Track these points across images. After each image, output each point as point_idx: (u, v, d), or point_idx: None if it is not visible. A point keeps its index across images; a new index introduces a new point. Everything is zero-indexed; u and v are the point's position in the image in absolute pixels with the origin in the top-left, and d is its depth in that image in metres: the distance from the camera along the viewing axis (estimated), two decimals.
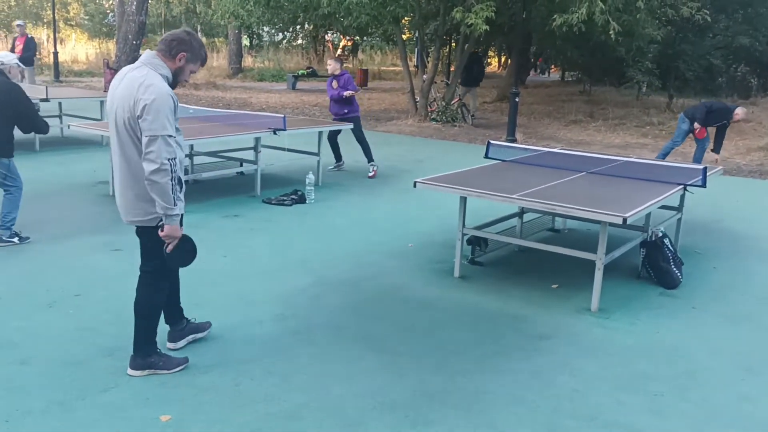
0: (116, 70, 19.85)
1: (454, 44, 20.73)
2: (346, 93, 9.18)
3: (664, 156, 10.56)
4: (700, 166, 5.87)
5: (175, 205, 3.35)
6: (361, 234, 6.55)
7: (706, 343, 4.38)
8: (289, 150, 8.47)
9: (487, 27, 12.64)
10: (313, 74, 25.85)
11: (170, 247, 3.49)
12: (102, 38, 37.57)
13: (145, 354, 3.63)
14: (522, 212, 6.28)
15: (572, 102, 20.45)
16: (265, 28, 31.95)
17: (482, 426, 3.29)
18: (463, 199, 5.34)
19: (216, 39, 39.56)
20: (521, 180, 5.53)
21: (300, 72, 25.77)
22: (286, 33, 34.64)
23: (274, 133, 7.85)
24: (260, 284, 5.08)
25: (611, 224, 4.59)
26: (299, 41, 37.23)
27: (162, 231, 3.42)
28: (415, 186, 5.31)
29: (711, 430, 3.35)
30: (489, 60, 36.78)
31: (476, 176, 5.64)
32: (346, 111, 9.37)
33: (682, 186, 5.51)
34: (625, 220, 4.39)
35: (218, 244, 6.03)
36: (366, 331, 4.32)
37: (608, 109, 18.40)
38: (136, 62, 3.46)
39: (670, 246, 5.43)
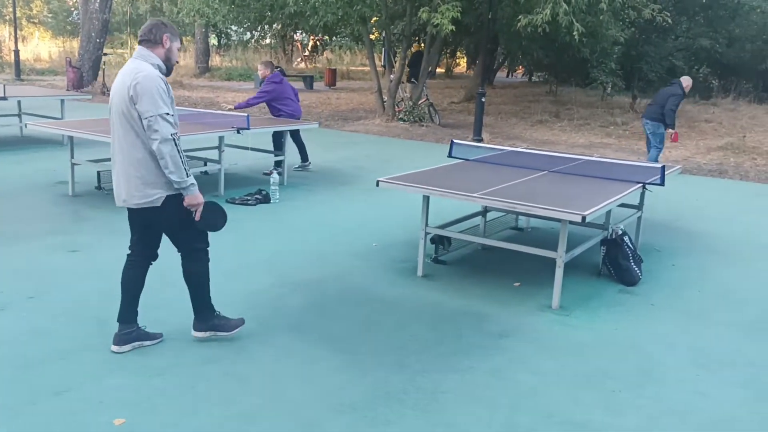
0: (79, 69, 19.53)
1: (422, 44, 20.78)
2: (230, 106, 9.66)
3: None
4: (659, 165, 5.95)
5: (188, 176, 3.60)
6: (326, 234, 6.52)
7: (662, 339, 4.44)
8: (253, 149, 8.40)
9: (453, 27, 12.69)
10: (281, 74, 25.68)
11: (197, 215, 3.73)
12: (66, 36, 36.94)
13: (206, 318, 4.00)
14: (485, 211, 6.31)
15: (539, 102, 20.64)
16: (233, 27, 31.72)
17: (440, 425, 3.29)
18: (426, 198, 5.34)
19: (183, 38, 39.13)
20: (484, 179, 5.55)
21: None
22: (254, 32, 34.41)
23: (238, 132, 7.78)
24: (221, 285, 5.01)
25: (571, 222, 4.63)
26: (267, 41, 37.00)
27: (184, 201, 3.67)
28: (377, 185, 5.29)
29: (665, 425, 3.39)
30: (457, 60, 36.99)
31: (439, 175, 5.65)
32: (279, 113, 9.38)
33: (641, 185, 5.59)
34: (584, 218, 4.43)
35: None
36: (327, 332, 4.30)
37: (574, 110, 18.61)
38: (131, 57, 3.69)
39: (629, 244, 5.50)
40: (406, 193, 5.21)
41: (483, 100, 13.52)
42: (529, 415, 3.43)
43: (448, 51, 29.59)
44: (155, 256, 4.04)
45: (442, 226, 5.68)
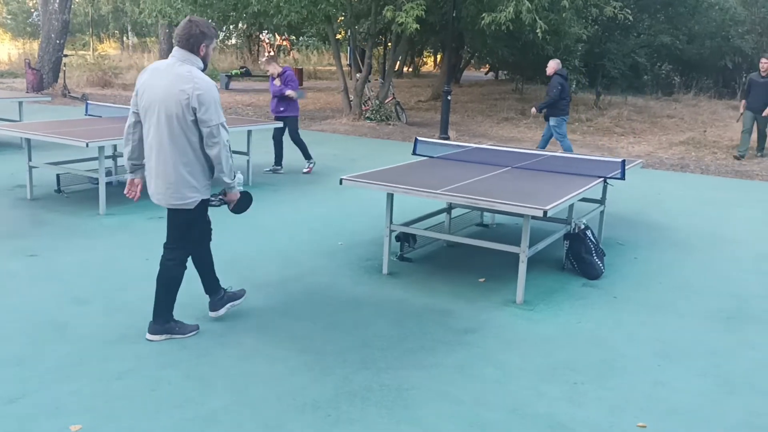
0: (38, 70, 19.14)
1: (389, 44, 20.81)
2: (288, 92, 9.12)
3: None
4: (619, 160, 6.02)
5: (234, 177, 3.97)
6: (291, 234, 6.47)
7: (624, 331, 4.49)
8: None
9: (418, 26, 12.71)
10: (246, 74, 25.50)
11: (232, 206, 4.15)
12: (26, 38, 36.20)
13: (164, 321, 4.05)
14: (450, 208, 6.32)
15: (505, 100, 20.79)
16: None
17: (404, 422, 3.28)
18: (390, 196, 5.34)
19: (147, 38, 38.63)
20: (447, 176, 5.56)
21: (233, 72, 25.39)
22: (219, 32, 34.07)
23: None
24: (182, 286, 4.92)
25: (534, 217, 4.66)
26: (233, 41, 36.68)
27: (226, 197, 4.08)
28: (341, 183, 5.27)
29: (627, 416, 3.43)
30: (425, 59, 37.10)
31: (403, 173, 5.64)
32: (282, 109, 9.26)
33: (602, 179, 5.65)
34: (545, 212, 4.46)
35: (141, 246, 5.86)
36: (291, 332, 4.26)
37: None
38: (171, 59, 3.80)
39: (592, 238, 5.55)
40: (371, 191, 5.19)
41: (449, 98, 13.57)
42: (494, 409, 3.43)
43: (415, 50, 29.66)
44: (208, 234, 4.33)
45: (407, 224, 5.68)
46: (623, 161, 5.90)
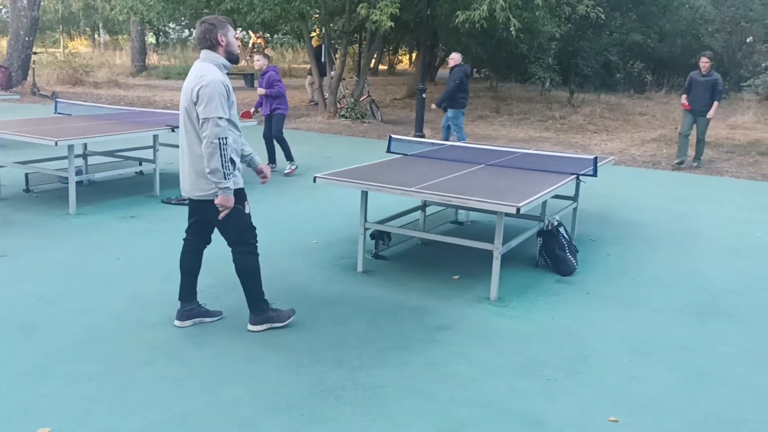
0: (7, 68, 18.79)
1: (364, 41, 20.77)
2: (259, 90, 9.31)
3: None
4: (591, 157, 6.08)
5: (226, 179, 3.82)
6: (265, 232, 6.41)
7: (597, 327, 4.53)
8: None
9: (392, 24, 12.71)
10: None
11: (222, 215, 3.95)
12: None
13: (260, 311, 4.19)
14: (425, 205, 6.33)
15: (479, 98, 20.85)
16: (171, 24, 31.07)
17: (378, 420, 3.28)
18: (364, 194, 5.33)
19: (119, 36, 38.13)
20: (421, 173, 5.57)
21: None
22: (192, 29, 33.75)
23: (173, 131, 7.60)
24: (155, 287, 4.91)
25: (507, 214, 4.68)
26: None
27: (216, 200, 3.90)
28: (314, 181, 5.25)
29: (600, 410, 3.46)
30: (400, 57, 37.08)
31: (377, 170, 5.64)
32: (273, 107, 9.30)
33: (574, 176, 5.69)
34: (518, 209, 4.48)
35: (112, 245, 5.78)
36: (265, 331, 4.23)
37: (513, 105, 18.89)
38: (198, 60, 3.97)
39: (565, 234, 5.60)
40: (345, 189, 5.18)
41: (424, 96, 13.58)
42: (468, 405, 3.45)
43: (390, 48, 29.66)
44: (208, 241, 4.33)
45: (382, 222, 5.68)
46: (595, 158, 5.96)
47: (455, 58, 10.85)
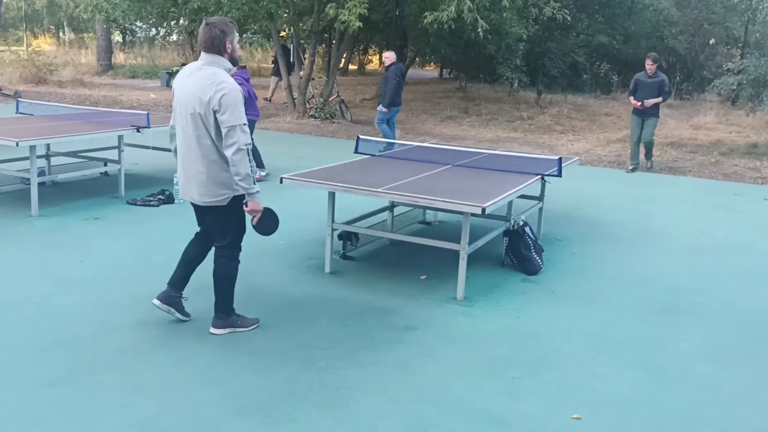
0: None
1: (333, 41, 20.74)
2: None
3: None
4: (556, 157, 6.16)
5: (255, 183, 3.89)
6: None
7: (562, 325, 4.59)
8: (154, 148, 8.13)
9: (361, 24, 12.72)
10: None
11: (255, 219, 4.03)
12: None
13: (226, 315, 4.19)
14: (392, 206, 6.35)
15: (448, 98, 20.97)
16: (138, 23, 30.65)
17: (345, 421, 3.28)
18: (332, 195, 5.33)
19: (85, 34, 37.52)
20: (389, 174, 5.58)
21: (174, 68, 24.77)
22: (159, 28, 33.36)
23: (137, 131, 7.52)
24: (120, 289, 4.85)
25: (473, 214, 4.72)
26: (174, 37, 35.95)
27: (246, 207, 3.97)
28: (281, 182, 5.24)
29: (563, 408, 3.51)
30: (370, 57, 37.09)
31: (344, 171, 5.64)
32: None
33: (539, 176, 5.76)
34: (484, 210, 4.52)
35: (76, 248, 5.69)
36: (232, 333, 4.21)
37: (482, 105, 19.03)
38: (199, 62, 3.94)
39: (530, 234, 5.66)
40: (313, 189, 5.17)
41: None
42: (434, 405, 3.47)
43: (360, 48, 29.66)
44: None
45: (350, 222, 5.68)
46: (560, 159, 6.03)
47: (390, 56, 11.18)
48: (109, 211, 6.92)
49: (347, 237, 5.75)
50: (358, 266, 5.63)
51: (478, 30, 12.82)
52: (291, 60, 16.77)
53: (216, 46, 3.90)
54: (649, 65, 10.78)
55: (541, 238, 6.24)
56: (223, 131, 3.79)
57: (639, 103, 10.66)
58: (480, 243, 5.28)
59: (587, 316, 4.80)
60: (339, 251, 5.75)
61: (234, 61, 4.01)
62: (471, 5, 12.39)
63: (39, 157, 7.24)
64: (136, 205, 7.18)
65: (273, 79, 18.95)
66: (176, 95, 3.98)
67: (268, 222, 4.14)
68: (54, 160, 8.30)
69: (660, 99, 10.62)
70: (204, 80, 3.82)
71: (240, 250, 4.24)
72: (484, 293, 5.10)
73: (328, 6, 13.12)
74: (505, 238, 5.68)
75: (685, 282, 5.62)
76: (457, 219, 7.09)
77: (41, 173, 7.30)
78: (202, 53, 3.93)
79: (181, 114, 3.93)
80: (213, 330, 4.18)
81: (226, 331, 4.18)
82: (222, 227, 4.11)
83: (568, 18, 16.32)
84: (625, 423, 3.40)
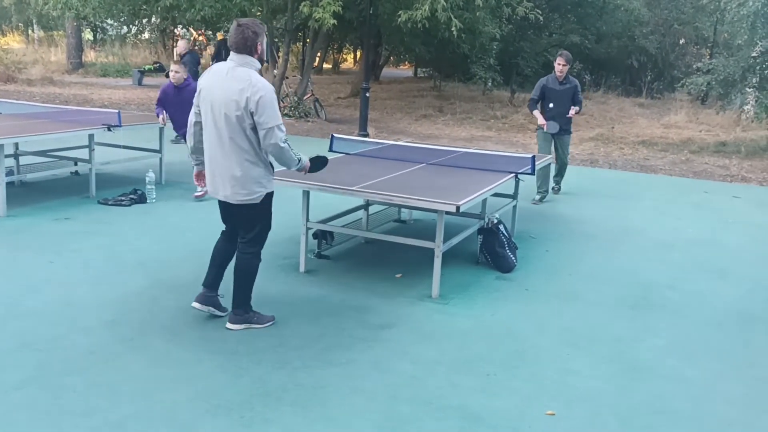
0: None
1: (308, 40, 20.67)
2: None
3: None
4: (529, 155, 6.19)
5: (299, 161, 4.17)
6: (205, 233, 6.31)
7: (536, 322, 4.62)
8: (125, 147, 8.02)
9: (335, 22, 12.68)
10: (160, 69, 24.69)
11: (306, 172, 4.39)
12: None
13: (243, 311, 4.23)
14: (367, 204, 6.34)
15: (423, 97, 21.02)
16: (109, 21, 30.22)
17: (319, 420, 3.26)
18: (306, 193, 5.30)
19: (54, 32, 36.91)
20: (363, 172, 5.57)
21: (146, 67, 24.57)
22: (131, 26, 32.92)
23: (108, 130, 7.41)
24: (90, 290, 4.77)
25: (447, 213, 4.72)
26: (146, 35, 35.52)
27: (304, 172, 4.38)
28: None
29: (538, 404, 3.53)
30: (344, 56, 37.02)
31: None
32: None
33: (513, 174, 5.79)
34: (458, 208, 4.53)
35: (45, 248, 5.59)
36: (204, 333, 4.17)
37: (456, 104, 19.09)
38: (230, 62, 4.00)
39: (505, 232, 5.69)
40: (287, 188, 5.13)
41: (367, 95, 13.60)
42: (409, 403, 3.47)
43: (334, 46, 29.57)
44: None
45: (324, 221, 5.66)
46: (533, 157, 6.07)
47: (182, 45, 11.08)
48: (79, 211, 6.81)
49: (322, 236, 5.72)
50: (333, 265, 5.60)
51: (452, 29, 12.86)
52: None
53: (248, 47, 3.98)
54: (560, 66, 8.21)
55: (515, 236, 6.28)
56: (261, 133, 3.91)
57: (545, 123, 8.23)
58: (455, 241, 5.29)
59: (561, 312, 4.83)
60: (314, 250, 5.72)
61: (262, 61, 4.10)
62: (445, 4, 12.42)
63: (7, 156, 7.09)
64: (107, 204, 7.07)
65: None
66: (206, 95, 4.03)
67: (316, 166, 4.46)
68: (23, 160, 8.15)
69: (576, 110, 8.32)
70: (240, 82, 3.89)
71: (262, 247, 4.30)
72: (459, 291, 5.11)
73: (303, 4, 13.07)
74: (479, 236, 5.70)
75: (656, 278, 5.69)
76: (432, 217, 7.10)
77: (9, 173, 7.16)
78: (233, 53, 4.00)
79: (214, 114, 3.97)
80: (229, 325, 4.22)
81: (242, 327, 4.21)
82: (250, 223, 4.20)
83: (541, 18, 16.46)
84: (598, 417, 3.43)
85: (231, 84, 3.91)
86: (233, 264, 4.31)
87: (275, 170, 4.31)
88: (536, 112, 8.35)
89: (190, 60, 11.65)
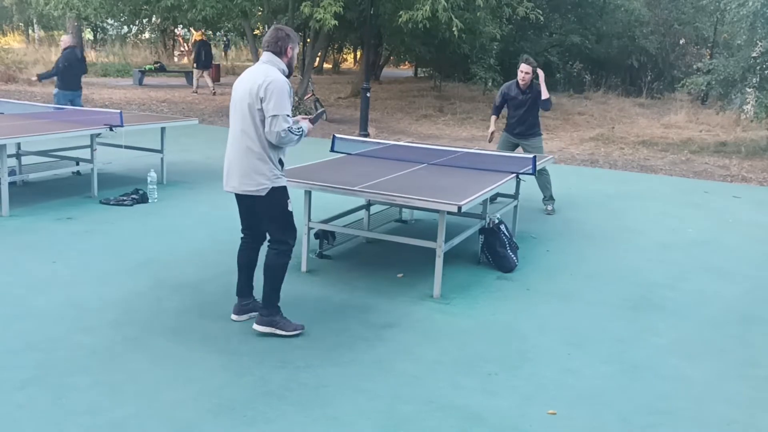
0: None
1: (308, 40, 20.70)
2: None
3: None
4: (530, 156, 6.20)
5: (301, 133, 4.09)
6: (207, 233, 6.34)
7: (537, 321, 4.64)
8: (127, 147, 8.04)
9: (336, 22, 12.69)
10: (161, 69, 24.74)
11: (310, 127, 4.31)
12: None
13: (269, 313, 4.17)
14: (369, 204, 6.35)
15: (423, 97, 21.02)
16: (110, 20, 30.23)
17: (321, 419, 3.28)
18: (308, 193, 5.31)
19: (55, 32, 36.92)
20: (364, 172, 5.58)
21: (147, 67, 24.57)
22: (131, 26, 32.93)
23: (110, 130, 7.42)
24: (93, 290, 4.78)
25: (449, 213, 4.74)
26: (147, 35, 35.54)
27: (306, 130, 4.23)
28: None
29: (538, 403, 3.54)
30: (344, 56, 37.02)
31: (320, 170, 5.63)
32: None
33: (514, 174, 5.80)
34: (459, 208, 4.54)
35: (48, 248, 5.61)
36: (207, 333, 4.19)
37: (456, 104, 19.10)
38: (259, 62, 4.13)
39: (506, 232, 5.70)
40: (289, 188, 5.15)
41: (368, 95, 13.60)
42: (410, 402, 3.48)
43: (335, 46, 29.58)
44: (264, 237, 4.38)
45: (326, 221, 5.67)
46: (534, 157, 6.08)
47: (66, 40, 11.04)
48: (81, 211, 6.83)
49: (324, 236, 5.73)
50: (335, 265, 5.62)
51: (453, 29, 12.87)
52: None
53: (279, 47, 4.09)
54: (523, 74, 7.52)
55: (516, 236, 6.29)
56: (267, 120, 3.93)
57: (489, 134, 8.06)
58: (456, 241, 5.31)
59: (562, 312, 4.84)
60: (315, 250, 5.73)
61: (291, 68, 4.17)
62: (445, 4, 12.44)
63: (9, 156, 7.10)
64: (109, 204, 7.09)
65: (197, 72, 20.18)
66: (233, 92, 4.17)
67: (317, 118, 4.54)
68: (25, 160, 8.16)
69: (538, 120, 7.91)
70: (257, 74, 4.01)
71: (292, 246, 4.26)
72: (461, 291, 5.12)
73: (303, 4, 13.07)
74: (480, 236, 5.71)
75: (657, 278, 5.70)
76: (434, 217, 7.10)
77: (12, 173, 7.18)
78: (264, 52, 4.13)
79: (234, 107, 4.10)
80: (255, 326, 4.18)
81: (268, 329, 4.16)
82: (267, 219, 4.21)
83: (541, 18, 16.46)
84: (599, 417, 3.44)
85: (251, 76, 4.04)
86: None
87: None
88: (492, 120, 7.98)
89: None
